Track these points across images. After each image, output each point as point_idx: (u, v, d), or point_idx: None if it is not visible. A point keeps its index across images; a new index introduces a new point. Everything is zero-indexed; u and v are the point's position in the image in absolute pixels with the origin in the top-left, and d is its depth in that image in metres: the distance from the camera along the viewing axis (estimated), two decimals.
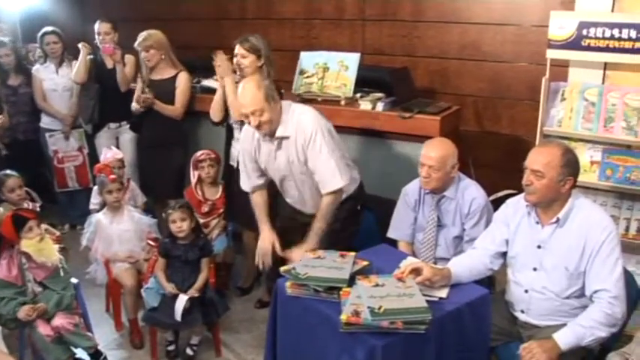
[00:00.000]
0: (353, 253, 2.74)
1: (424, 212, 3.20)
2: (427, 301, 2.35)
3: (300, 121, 3.07)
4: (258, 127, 3.03)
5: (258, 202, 3.35)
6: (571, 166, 2.52)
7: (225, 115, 3.85)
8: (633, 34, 3.14)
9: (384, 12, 4.52)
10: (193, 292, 3.29)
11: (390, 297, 2.34)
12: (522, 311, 2.70)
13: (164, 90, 4.28)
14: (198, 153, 4.06)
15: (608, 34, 3.21)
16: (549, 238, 2.59)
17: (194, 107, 4.40)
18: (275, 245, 3.16)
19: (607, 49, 3.24)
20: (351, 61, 4.09)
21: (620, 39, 3.18)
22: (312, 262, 2.65)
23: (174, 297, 3.25)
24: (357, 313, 2.28)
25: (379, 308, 2.26)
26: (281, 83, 3.81)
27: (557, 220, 2.56)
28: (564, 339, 2.41)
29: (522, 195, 2.64)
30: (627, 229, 3.32)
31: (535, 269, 2.61)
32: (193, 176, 4.07)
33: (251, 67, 3.63)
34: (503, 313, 2.76)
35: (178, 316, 3.21)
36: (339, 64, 4.09)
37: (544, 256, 2.59)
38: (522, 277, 2.66)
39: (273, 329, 2.79)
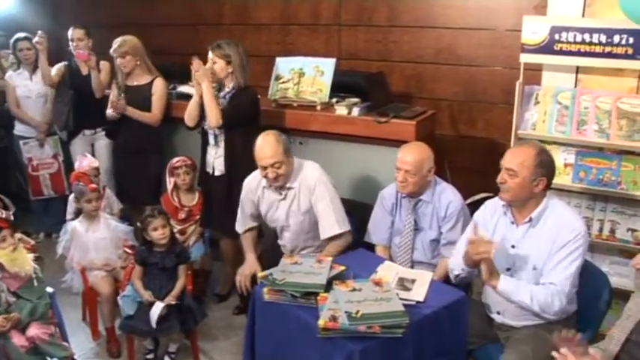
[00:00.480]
0: (330, 258, 2.76)
1: (401, 216, 3.21)
2: (404, 305, 2.36)
3: (306, 175, 3.23)
4: (275, 179, 3.16)
5: (247, 238, 3.51)
6: (544, 166, 2.55)
7: (200, 120, 3.83)
8: (603, 38, 3.19)
9: (359, 17, 4.53)
10: (171, 299, 3.27)
11: (367, 301, 2.36)
12: (498, 312, 2.72)
13: (140, 96, 4.25)
14: (174, 160, 4.03)
15: (579, 38, 3.26)
16: (522, 238, 2.62)
17: (170, 113, 4.37)
18: (256, 275, 3.20)
19: (578, 53, 3.29)
20: (327, 66, 4.09)
21: (590, 43, 3.23)
22: (289, 268, 2.65)
23: (152, 304, 3.22)
24: (334, 318, 2.29)
25: (356, 313, 2.27)
26: (257, 89, 3.83)
27: (530, 219, 2.60)
28: (505, 283, 2.54)
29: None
30: (601, 230, 3.35)
31: (509, 269, 2.63)
32: (169, 183, 4.05)
33: (221, 72, 3.66)
34: (480, 316, 2.78)
35: (153, 323, 3.19)
36: (315, 69, 4.10)
37: (517, 256, 2.62)
38: None
39: (251, 335, 2.79)
